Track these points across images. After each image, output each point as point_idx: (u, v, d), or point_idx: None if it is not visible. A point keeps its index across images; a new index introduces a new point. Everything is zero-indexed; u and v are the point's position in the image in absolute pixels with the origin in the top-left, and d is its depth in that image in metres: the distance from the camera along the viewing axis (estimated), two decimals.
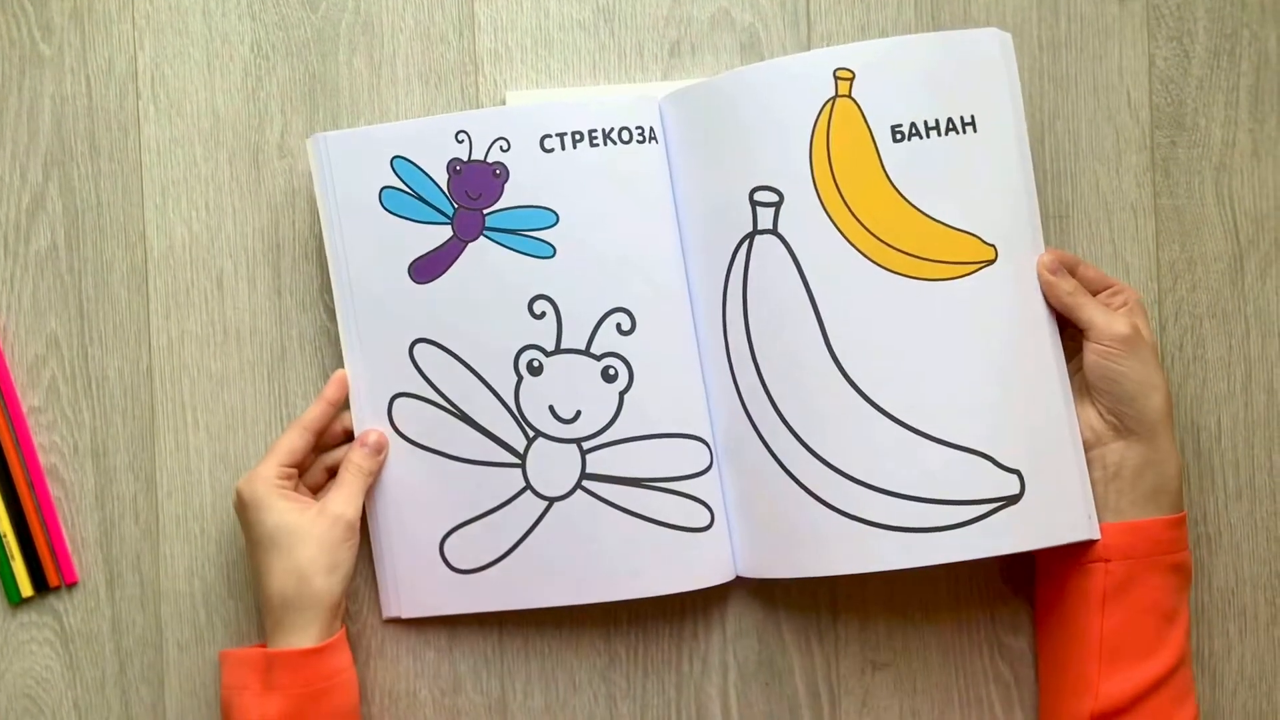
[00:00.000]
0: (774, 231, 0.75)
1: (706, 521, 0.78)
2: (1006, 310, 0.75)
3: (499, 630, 0.81)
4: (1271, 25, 0.83)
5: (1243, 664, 0.83)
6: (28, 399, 0.81)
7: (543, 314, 0.78)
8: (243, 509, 0.75)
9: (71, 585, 0.81)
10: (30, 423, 0.80)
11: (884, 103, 0.74)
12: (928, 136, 0.74)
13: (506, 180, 0.77)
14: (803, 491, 0.75)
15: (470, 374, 0.78)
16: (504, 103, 0.81)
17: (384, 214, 0.78)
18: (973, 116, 0.75)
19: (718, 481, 0.78)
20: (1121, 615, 0.73)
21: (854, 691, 0.82)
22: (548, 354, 0.78)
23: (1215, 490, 0.83)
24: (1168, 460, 0.75)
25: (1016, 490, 0.74)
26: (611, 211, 0.78)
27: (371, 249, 0.78)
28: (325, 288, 0.81)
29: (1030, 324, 0.75)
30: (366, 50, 0.82)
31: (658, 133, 0.78)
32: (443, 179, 0.78)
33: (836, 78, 0.74)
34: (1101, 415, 0.75)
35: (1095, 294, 0.77)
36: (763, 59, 0.82)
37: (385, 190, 0.78)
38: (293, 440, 0.76)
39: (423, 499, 0.79)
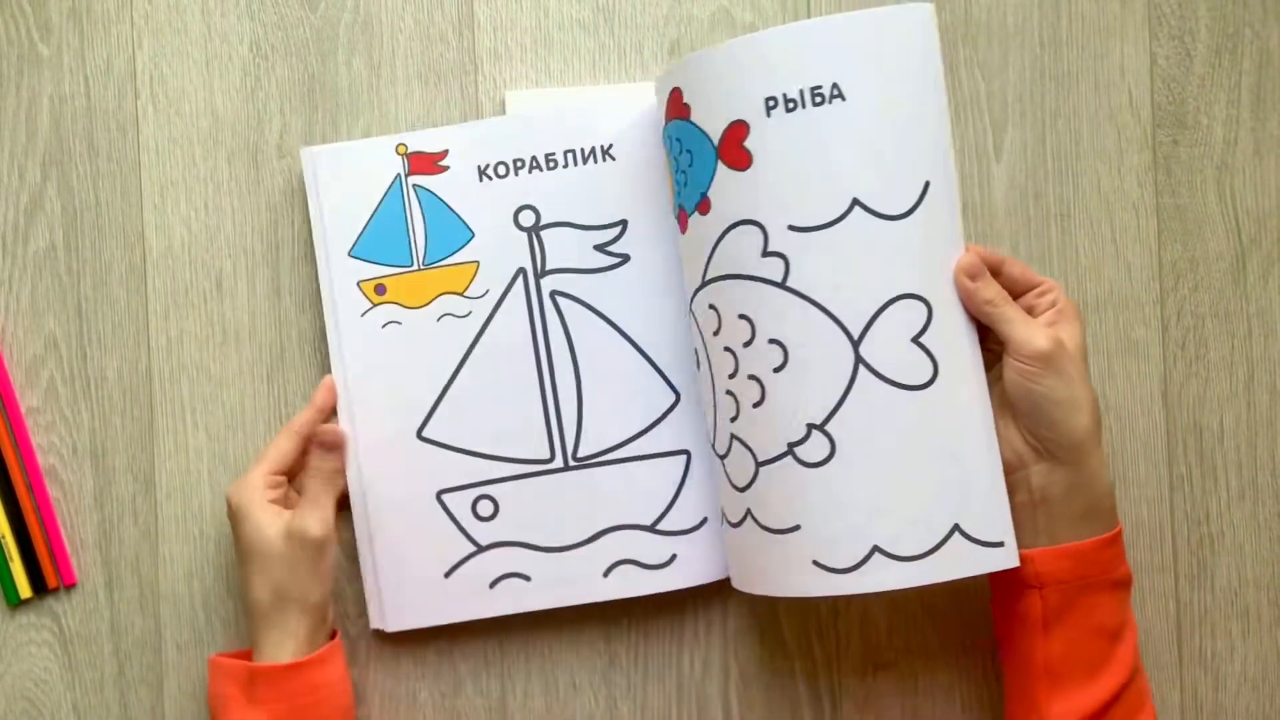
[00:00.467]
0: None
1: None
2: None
3: (499, 631, 0.81)
4: (1273, 24, 0.83)
5: (1245, 665, 0.82)
6: (26, 400, 0.81)
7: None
8: (230, 515, 0.75)
9: (70, 587, 0.80)
10: (29, 423, 0.80)
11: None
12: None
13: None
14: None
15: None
16: (503, 103, 0.81)
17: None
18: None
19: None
20: (1065, 639, 0.70)
21: (854, 692, 0.81)
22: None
23: (1218, 491, 0.82)
24: (1096, 480, 0.69)
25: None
26: None
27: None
28: None
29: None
30: (366, 50, 0.82)
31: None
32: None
33: None
34: (1024, 437, 0.70)
35: (1021, 294, 0.72)
36: None
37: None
38: (282, 446, 0.76)
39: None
